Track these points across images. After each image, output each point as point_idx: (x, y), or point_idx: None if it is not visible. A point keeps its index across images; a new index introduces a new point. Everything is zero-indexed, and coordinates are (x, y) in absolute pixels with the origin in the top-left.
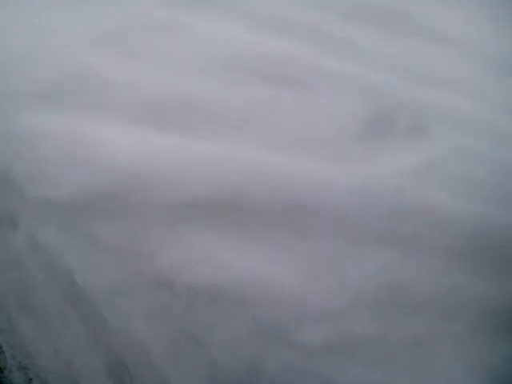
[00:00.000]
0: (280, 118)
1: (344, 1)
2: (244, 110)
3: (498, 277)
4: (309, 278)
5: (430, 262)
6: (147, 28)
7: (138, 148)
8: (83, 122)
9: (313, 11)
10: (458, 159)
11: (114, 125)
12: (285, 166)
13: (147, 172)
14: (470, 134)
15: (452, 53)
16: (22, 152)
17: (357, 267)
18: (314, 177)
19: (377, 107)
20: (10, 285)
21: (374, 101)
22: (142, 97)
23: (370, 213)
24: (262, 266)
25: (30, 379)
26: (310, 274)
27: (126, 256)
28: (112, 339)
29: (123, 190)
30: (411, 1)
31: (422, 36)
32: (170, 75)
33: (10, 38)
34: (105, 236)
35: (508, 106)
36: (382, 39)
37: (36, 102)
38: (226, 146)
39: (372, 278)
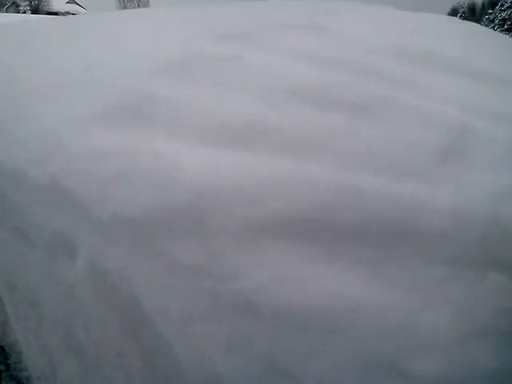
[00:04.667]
0: (351, 141)
1: (389, 45)
2: (313, 132)
3: None
4: (416, 305)
5: None
6: (205, 58)
7: (212, 165)
8: (154, 141)
9: (363, 52)
10: None
11: (186, 144)
12: (371, 186)
13: (223, 188)
14: None
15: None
16: (92, 170)
17: (466, 292)
18: (407, 197)
19: (447, 134)
20: (56, 323)
21: (444, 129)
22: (210, 119)
23: (465, 234)
24: (359, 290)
25: None
26: (417, 300)
27: (203, 277)
28: (183, 377)
29: (200, 206)
30: (449, 43)
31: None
32: (232, 100)
33: (76, 66)
34: (180, 256)
35: None
36: (427, 75)
37: (103, 123)
38: (301, 164)
39: (486, 304)
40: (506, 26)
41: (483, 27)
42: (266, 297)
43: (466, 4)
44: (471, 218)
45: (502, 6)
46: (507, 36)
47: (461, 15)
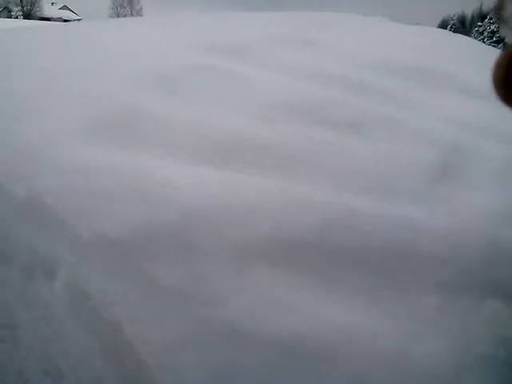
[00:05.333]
0: (345, 160)
1: (383, 60)
2: (306, 150)
3: None
4: (409, 334)
5: None
6: (197, 72)
7: (201, 185)
8: (142, 158)
9: (357, 67)
10: None
11: (175, 161)
12: (366, 207)
13: (213, 208)
14: None
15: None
16: (76, 188)
17: (461, 320)
18: (402, 219)
19: (441, 153)
20: (33, 347)
21: (435, 146)
22: (200, 136)
23: (462, 257)
24: (353, 319)
25: None
26: (410, 329)
27: (188, 302)
28: None
29: (187, 227)
30: (438, 59)
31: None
32: (225, 117)
33: (62, 77)
34: (165, 279)
35: None
36: (420, 91)
37: (89, 139)
38: (293, 184)
39: (481, 333)
40: (494, 39)
41: (477, 42)
42: (255, 324)
43: (455, 16)
44: (468, 240)
45: (491, 18)
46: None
47: (451, 27)
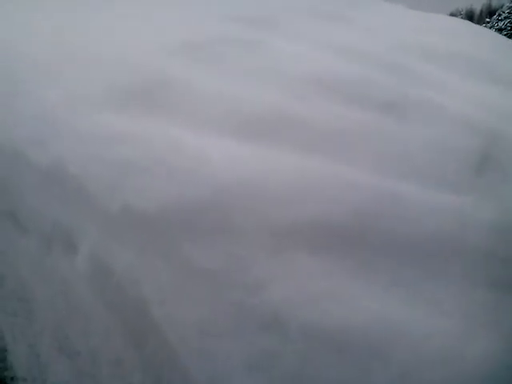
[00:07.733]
0: (384, 141)
1: (416, 42)
2: (344, 130)
3: None
4: (463, 331)
5: None
6: (226, 42)
7: (235, 160)
8: (171, 128)
9: (391, 47)
10: None
11: (208, 133)
12: (410, 193)
13: (251, 185)
14: None
15: None
16: (101, 156)
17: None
18: (449, 209)
19: (481, 141)
20: (48, 322)
21: (475, 134)
22: (234, 107)
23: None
24: (403, 312)
25: None
26: (465, 325)
27: (222, 285)
28: None
29: (224, 205)
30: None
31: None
32: (255, 88)
33: (90, 42)
34: (198, 259)
35: None
36: (456, 76)
37: (114, 104)
38: (333, 164)
39: None
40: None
41: (498, 34)
42: (297, 312)
43: (463, 11)
44: None
45: (500, 15)
46: None
47: None
